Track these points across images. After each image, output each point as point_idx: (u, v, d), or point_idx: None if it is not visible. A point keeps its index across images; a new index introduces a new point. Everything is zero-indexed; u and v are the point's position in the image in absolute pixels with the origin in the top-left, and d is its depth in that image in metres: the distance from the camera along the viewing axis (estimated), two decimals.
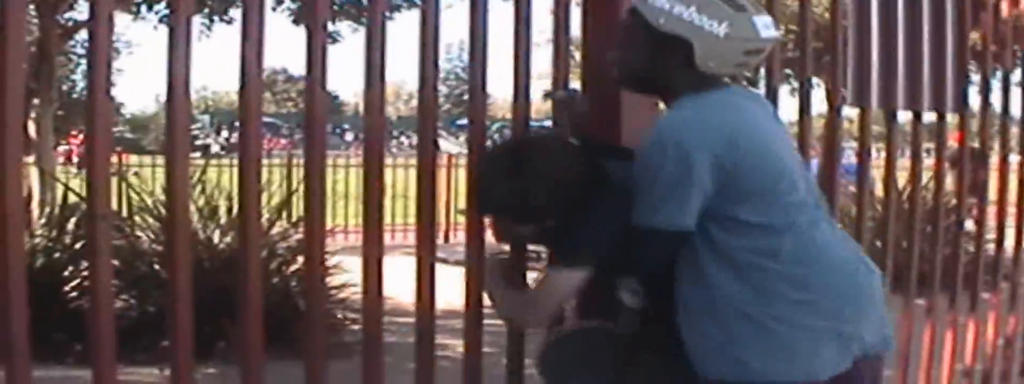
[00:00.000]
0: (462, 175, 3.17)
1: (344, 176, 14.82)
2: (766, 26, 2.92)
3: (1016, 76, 5.42)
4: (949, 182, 5.50)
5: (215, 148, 56.23)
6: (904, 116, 4.73)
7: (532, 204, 2.94)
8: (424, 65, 3.18)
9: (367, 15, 3.18)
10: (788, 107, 4.37)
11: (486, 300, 3.32)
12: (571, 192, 2.91)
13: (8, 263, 2.48)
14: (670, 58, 2.90)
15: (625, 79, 3.08)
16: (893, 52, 4.46)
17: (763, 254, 2.81)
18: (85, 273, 6.67)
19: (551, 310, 3.04)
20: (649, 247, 2.85)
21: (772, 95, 4.01)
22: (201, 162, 9.72)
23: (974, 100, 5.08)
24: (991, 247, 5.71)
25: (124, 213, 8.05)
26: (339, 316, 7.61)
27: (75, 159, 27.26)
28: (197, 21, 12.64)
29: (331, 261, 7.43)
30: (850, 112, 4.58)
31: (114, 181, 8.08)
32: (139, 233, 7.73)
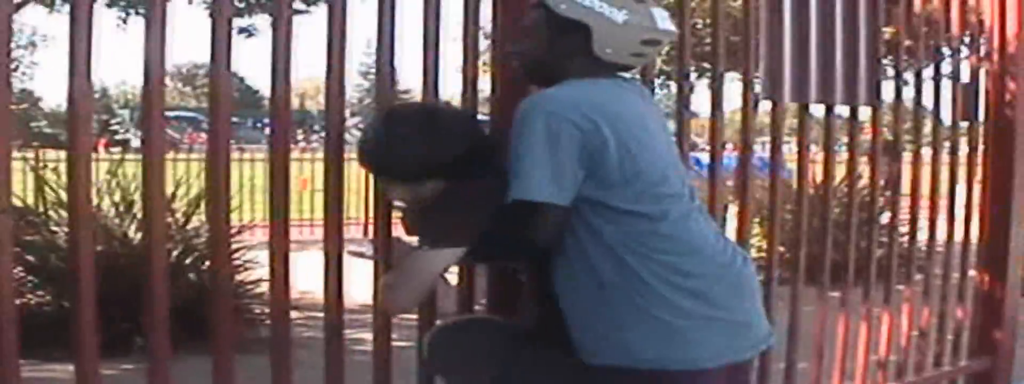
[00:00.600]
0: None
1: (264, 170, 14.68)
2: (663, 18, 2.99)
3: (930, 70, 5.43)
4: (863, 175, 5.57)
5: (135, 143, 55.85)
6: (818, 109, 4.77)
7: (435, 158, 2.93)
8: (331, 57, 3.17)
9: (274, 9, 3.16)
10: (704, 101, 4.40)
11: None
12: (468, 158, 2.90)
13: None
14: (569, 44, 2.96)
15: (526, 68, 3.11)
16: (806, 46, 4.49)
17: (642, 242, 2.81)
18: None
19: (415, 292, 2.97)
20: (521, 222, 2.79)
21: (681, 90, 4.06)
22: (120, 158, 9.56)
23: (888, 94, 5.14)
24: (905, 240, 5.77)
25: (40, 208, 7.92)
26: (257, 311, 7.54)
27: None
28: (113, 14, 12.52)
29: (249, 256, 7.40)
30: (766, 105, 4.60)
31: (31, 176, 8.03)
32: (54, 228, 7.60)
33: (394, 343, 3.43)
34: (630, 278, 2.81)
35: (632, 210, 2.81)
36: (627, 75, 3.15)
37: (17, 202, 7.65)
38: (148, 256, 2.90)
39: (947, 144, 5.56)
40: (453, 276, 3.45)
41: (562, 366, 2.97)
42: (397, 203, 3.19)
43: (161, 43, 2.84)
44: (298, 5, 12.33)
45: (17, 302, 6.80)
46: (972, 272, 5.79)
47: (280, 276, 3.15)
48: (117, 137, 65.76)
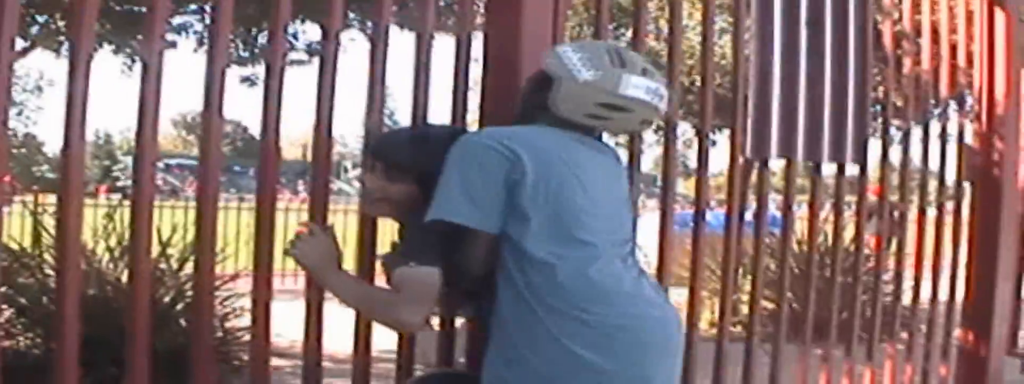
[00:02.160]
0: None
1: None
2: (636, 87, 2.99)
3: (921, 131, 5.48)
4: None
5: None
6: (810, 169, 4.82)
7: (430, 166, 2.93)
8: (320, 109, 3.24)
9: (268, 59, 3.22)
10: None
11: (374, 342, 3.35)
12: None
13: None
14: (540, 96, 3.02)
15: (513, 120, 3.15)
16: (793, 103, 4.54)
17: (545, 285, 2.80)
18: None
19: (425, 305, 2.88)
20: (449, 244, 2.85)
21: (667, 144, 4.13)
22: (118, 203, 9.62)
23: (877, 153, 5.18)
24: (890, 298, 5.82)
25: (35, 252, 7.95)
26: (246, 358, 7.55)
27: None
28: (119, 60, 12.58)
29: (241, 303, 7.42)
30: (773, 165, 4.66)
31: (29, 220, 8.08)
32: (48, 272, 7.63)
33: None
34: (526, 316, 2.81)
35: (540, 249, 2.82)
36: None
37: (13, 245, 7.70)
38: (131, 296, 2.94)
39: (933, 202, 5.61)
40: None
41: None
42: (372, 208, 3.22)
43: (156, 87, 2.90)
44: (301, 56, 12.35)
45: (7, 343, 6.83)
46: (956, 331, 5.83)
47: (261, 324, 3.19)
48: (119, 184, 65.81)
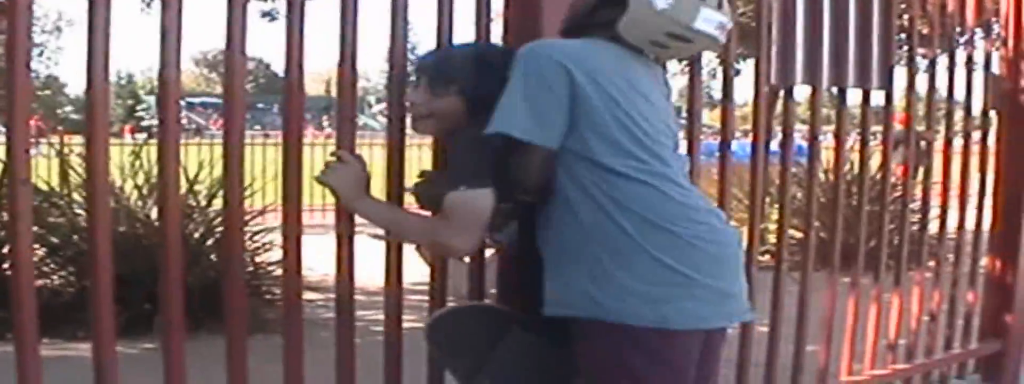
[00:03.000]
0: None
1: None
2: (709, 21, 2.90)
3: (947, 59, 5.44)
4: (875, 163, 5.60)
5: None
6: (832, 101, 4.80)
7: (465, 68, 2.97)
8: (344, 45, 3.23)
9: None
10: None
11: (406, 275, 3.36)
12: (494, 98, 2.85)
13: None
14: (606, 14, 2.95)
15: (563, 32, 3.10)
16: (818, 29, 4.51)
17: (627, 196, 2.75)
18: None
19: (477, 231, 2.81)
20: (508, 159, 2.78)
21: (692, 72, 4.11)
22: (145, 145, 9.62)
23: (903, 82, 5.15)
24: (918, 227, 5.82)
25: (64, 192, 8.00)
26: (277, 292, 7.61)
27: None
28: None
29: (271, 237, 7.45)
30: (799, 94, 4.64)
31: (56, 161, 8.13)
32: (78, 211, 7.68)
33: (412, 324, 3.49)
34: (612, 231, 2.75)
35: (619, 163, 2.76)
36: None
37: (42, 185, 7.75)
38: (163, 235, 2.96)
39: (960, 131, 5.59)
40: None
41: (543, 355, 3.02)
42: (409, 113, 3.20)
43: (177, 24, 2.89)
44: None
45: (40, 283, 6.88)
46: (983, 259, 5.83)
47: (293, 257, 3.20)
48: (143, 123, 66.04)
